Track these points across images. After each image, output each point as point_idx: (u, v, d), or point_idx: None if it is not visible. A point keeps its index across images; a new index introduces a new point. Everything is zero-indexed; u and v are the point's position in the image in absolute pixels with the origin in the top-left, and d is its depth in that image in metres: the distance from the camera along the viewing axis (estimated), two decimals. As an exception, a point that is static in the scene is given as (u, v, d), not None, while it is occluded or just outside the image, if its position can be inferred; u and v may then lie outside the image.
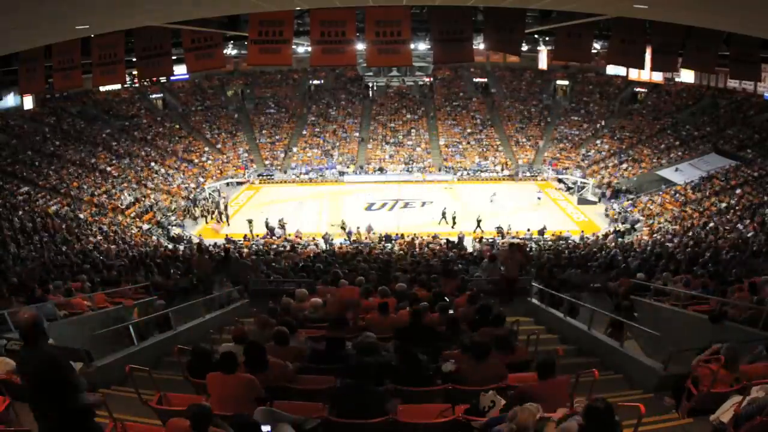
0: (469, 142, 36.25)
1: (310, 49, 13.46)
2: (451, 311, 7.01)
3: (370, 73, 31.19)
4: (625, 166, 31.49)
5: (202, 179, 31.99)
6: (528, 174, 33.60)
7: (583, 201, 28.83)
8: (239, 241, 22.53)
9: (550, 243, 21.11)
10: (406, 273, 11.13)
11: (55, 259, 13.83)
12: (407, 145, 36.32)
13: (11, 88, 21.83)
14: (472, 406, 4.24)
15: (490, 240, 21.97)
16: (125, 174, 29.37)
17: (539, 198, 28.78)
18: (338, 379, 4.58)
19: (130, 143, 32.92)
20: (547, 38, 17.54)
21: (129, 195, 27.26)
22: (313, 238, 22.87)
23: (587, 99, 38.05)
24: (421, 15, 15.21)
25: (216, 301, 9.83)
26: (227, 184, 32.33)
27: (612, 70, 34.00)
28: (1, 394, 4.35)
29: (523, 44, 15.42)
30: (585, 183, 30.18)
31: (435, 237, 22.68)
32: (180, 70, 15.59)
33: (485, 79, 40.69)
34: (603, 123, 35.50)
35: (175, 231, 24.86)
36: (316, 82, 40.74)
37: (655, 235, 20.71)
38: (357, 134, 37.23)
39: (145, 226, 24.34)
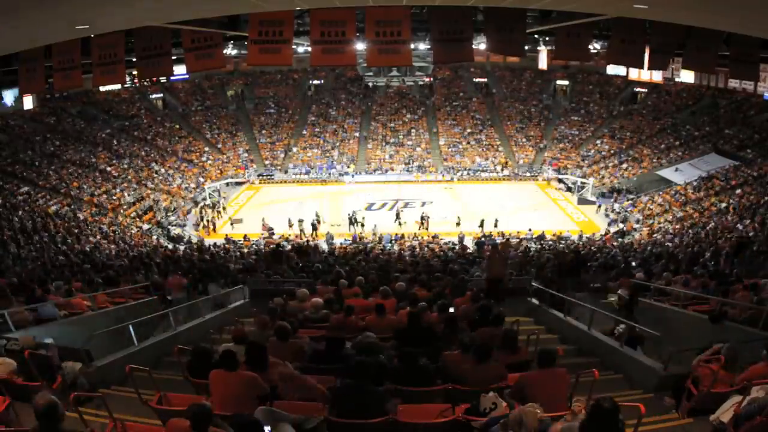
0: (469, 142, 36.25)
1: (310, 49, 13.45)
2: (451, 309, 7.01)
3: (370, 73, 31.19)
4: (625, 166, 31.50)
5: (202, 179, 32.00)
6: (528, 174, 33.61)
7: (583, 201, 28.83)
8: (239, 241, 22.53)
9: (550, 243, 21.10)
10: (406, 273, 11.13)
11: (55, 259, 13.83)
12: (407, 145, 36.33)
13: (11, 88, 21.81)
14: (473, 406, 4.24)
15: (490, 239, 21.96)
16: (125, 174, 29.38)
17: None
18: (338, 379, 4.58)
19: (130, 143, 32.92)
20: (547, 38, 17.54)
21: (129, 195, 27.27)
22: (314, 238, 22.87)
23: (587, 99, 38.07)
24: (421, 15, 15.21)
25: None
26: (227, 184, 32.34)
27: (612, 70, 34.05)
28: (1, 394, 4.35)
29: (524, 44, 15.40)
30: (585, 183, 30.18)
31: (435, 237, 22.71)
32: (180, 70, 15.58)
33: (485, 79, 40.71)
34: (603, 123, 35.53)
35: (175, 231, 24.87)
36: (316, 82, 40.75)
37: (655, 235, 20.71)
38: (357, 134, 37.23)
39: (145, 226, 24.35)
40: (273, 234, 23.82)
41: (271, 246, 18.02)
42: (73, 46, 12.39)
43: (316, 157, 35.44)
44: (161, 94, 37.67)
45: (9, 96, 24.01)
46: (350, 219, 24.49)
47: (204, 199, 29.54)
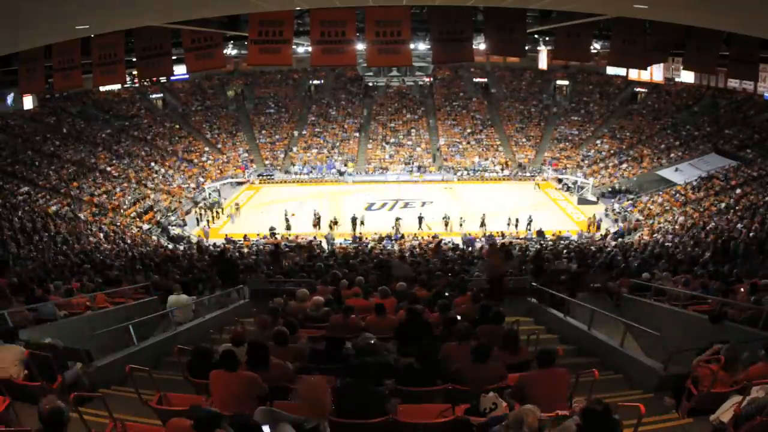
0: (469, 142, 36.26)
1: (310, 49, 13.46)
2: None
3: (370, 73, 31.18)
4: (625, 166, 31.50)
5: (202, 179, 32.01)
6: (528, 174, 33.63)
7: (583, 201, 28.85)
8: (239, 241, 22.52)
9: (550, 243, 21.10)
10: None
11: (55, 259, 13.84)
12: (407, 145, 36.33)
13: (11, 88, 21.82)
14: (473, 406, 4.24)
15: (490, 238, 21.96)
16: (125, 174, 29.39)
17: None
18: (338, 379, 4.58)
19: (130, 143, 32.93)
20: (547, 38, 17.53)
21: (130, 196, 27.28)
22: (315, 238, 22.86)
23: (587, 99, 38.07)
24: (421, 15, 15.21)
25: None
26: (228, 184, 32.34)
27: (612, 70, 33.91)
28: (1, 394, 4.35)
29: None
30: (585, 183, 30.19)
31: (435, 237, 22.70)
32: (180, 70, 15.58)
33: (485, 79, 40.71)
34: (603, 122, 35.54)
35: (175, 231, 24.86)
36: (316, 82, 40.76)
37: (655, 235, 20.70)
38: (357, 134, 37.25)
39: (145, 226, 24.35)
40: (275, 233, 23.80)
41: (269, 246, 18.03)
42: (73, 46, 12.40)
43: (316, 157, 35.44)
44: (161, 94, 37.67)
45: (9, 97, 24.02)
46: (353, 220, 24.52)
47: (204, 199, 29.54)
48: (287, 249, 17.29)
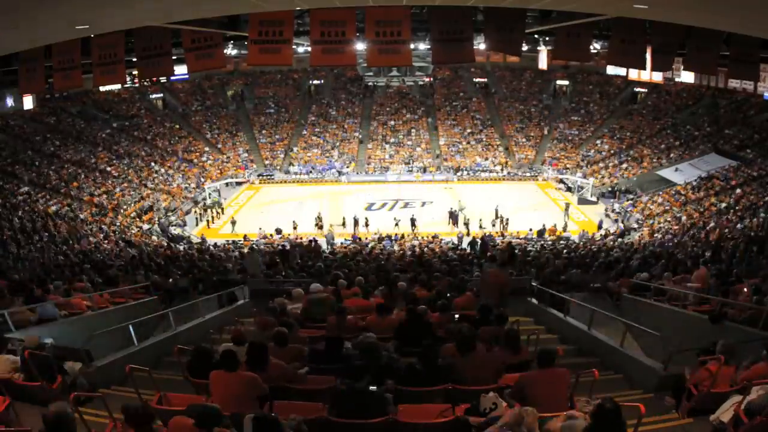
0: (469, 142, 36.26)
1: (310, 49, 13.45)
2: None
3: (370, 73, 31.17)
4: (625, 166, 31.50)
5: (202, 179, 32.01)
6: (528, 174, 33.64)
7: (583, 201, 28.84)
8: (239, 241, 22.51)
9: (550, 243, 21.10)
10: (406, 273, 11.12)
11: (55, 259, 13.83)
12: (407, 145, 36.34)
13: (11, 88, 21.84)
14: (473, 406, 4.24)
15: (489, 237, 21.92)
16: (125, 174, 29.39)
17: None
18: (338, 379, 4.58)
19: (130, 143, 32.93)
20: (547, 38, 17.54)
21: (130, 196, 27.28)
22: (315, 239, 22.84)
23: (587, 99, 38.07)
24: (421, 15, 15.21)
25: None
26: (227, 184, 32.34)
27: (612, 70, 34.01)
28: (1, 394, 4.35)
29: (524, 44, 15.41)
30: (585, 183, 30.19)
31: (435, 237, 22.71)
32: (180, 70, 15.58)
33: (485, 79, 40.71)
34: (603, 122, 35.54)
35: (175, 231, 24.85)
36: (316, 82, 40.76)
37: (655, 235, 20.71)
38: (357, 134, 37.25)
39: (145, 226, 24.35)
40: (280, 234, 23.82)
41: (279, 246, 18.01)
42: (73, 46, 12.39)
43: (316, 157, 35.45)
44: (161, 94, 37.67)
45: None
46: (355, 221, 24.53)
47: (204, 199, 29.54)
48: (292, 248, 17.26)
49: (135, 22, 10.85)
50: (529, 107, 38.54)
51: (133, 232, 22.71)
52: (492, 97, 39.66)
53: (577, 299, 8.82)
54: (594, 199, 29.15)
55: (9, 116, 28.61)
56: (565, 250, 16.50)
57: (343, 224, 24.88)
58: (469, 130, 37.12)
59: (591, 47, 14.05)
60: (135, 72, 15.62)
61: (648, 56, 12.81)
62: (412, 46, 14.05)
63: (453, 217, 25.37)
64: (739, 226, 16.76)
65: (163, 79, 34.93)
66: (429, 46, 15.34)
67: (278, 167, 34.70)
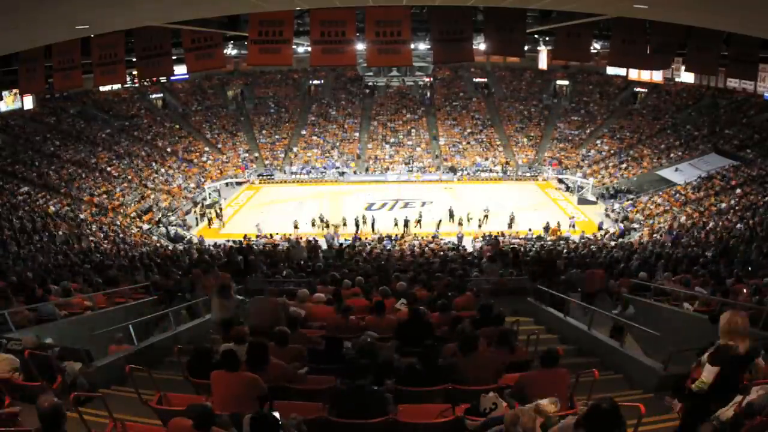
0: (469, 142, 36.26)
1: (310, 49, 13.45)
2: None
3: (370, 73, 31.17)
4: (625, 166, 31.50)
5: (202, 179, 32.01)
6: (528, 174, 33.64)
7: (583, 201, 28.85)
8: (239, 241, 22.48)
9: (550, 243, 21.10)
10: (407, 273, 11.11)
11: (55, 259, 13.83)
12: (407, 145, 36.34)
13: (11, 88, 21.82)
14: (473, 406, 4.24)
15: (490, 238, 21.94)
16: (125, 174, 29.39)
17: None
18: (338, 379, 4.58)
19: (130, 143, 32.93)
20: (547, 38, 17.53)
21: (130, 196, 27.28)
22: (315, 239, 22.84)
23: (587, 99, 38.08)
24: (421, 15, 15.20)
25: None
26: (227, 184, 32.34)
27: (612, 70, 33.91)
28: (1, 394, 4.35)
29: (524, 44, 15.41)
30: (585, 183, 30.19)
31: (435, 237, 22.70)
32: (180, 70, 15.57)
33: (485, 79, 40.72)
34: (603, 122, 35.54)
35: (177, 231, 24.85)
36: (316, 82, 40.76)
37: (655, 235, 20.71)
38: (357, 134, 37.25)
39: (145, 226, 24.34)
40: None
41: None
42: (73, 46, 12.39)
43: (316, 157, 35.45)
44: (161, 94, 37.67)
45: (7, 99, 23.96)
46: (356, 221, 24.55)
47: (204, 199, 29.54)
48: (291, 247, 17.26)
49: (135, 22, 10.85)
50: (529, 107, 38.55)
51: (133, 232, 22.71)
52: (492, 97, 39.66)
53: (577, 299, 8.83)
54: (594, 199, 29.15)
55: (9, 116, 28.60)
56: (565, 250, 16.49)
57: (344, 224, 24.87)
58: (469, 130, 37.12)
59: (591, 47, 14.05)
60: (135, 72, 15.61)
61: (648, 55, 12.80)
62: (412, 46, 14.03)
63: (452, 216, 25.35)
64: (739, 226, 16.75)
65: (163, 79, 34.93)
66: (429, 46, 15.34)
67: (278, 167, 34.70)
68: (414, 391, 4.69)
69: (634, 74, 30.88)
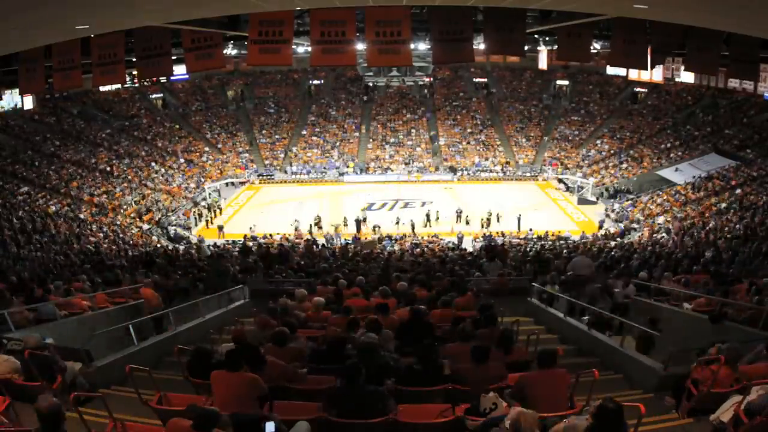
0: (469, 142, 36.26)
1: (310, 49, 13.44)
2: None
3: (370, 73, 31.16)
4: (625, 166, 31.50)
5: (202, 179, 32.01)
6: (528, 174, 33.64)
7: (583, 201, 28.85)
8: (239, 241, 22.49)
9: (550, 243, 21.10)
10: (407, 273, 11.12)
11: (55, 259, 13.83)
12: (407, 145, 36.34)
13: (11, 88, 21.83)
14: (473, 406, 4.24)
15: (490, 238, 21.97)
16: (125, 174, 29.39)
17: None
18: (338, 379, 4.58)
19: (130, 143, 32.93)
20: (547, 38, 17.50)
21: (129, 195, 27.28)
22: (314, 239, 22.85)
23: (587, 99, 38.08)
24: (421, 15, 15.19)
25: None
26: (227, 184, 32.33)
27: (612, 70, 33.97)
28: (1, 394, 4.34)
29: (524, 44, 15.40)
30: (585, 183, 30.19)
31: (435, 237, 22.72)
32: (180, 70, 15.57)
33: (485, 79, 40.71)
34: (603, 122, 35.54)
35: (177, 231, 24.85)
36: (316, 82, 40.76)
37: (655, 235, 20.71)
38: (357, 134, 37.25)
39: (145, 226, 24.34)
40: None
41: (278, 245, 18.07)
42: (73, 46, 12.38)
43: (316, 157, 35.45)
44: (161, 94, 37.67)
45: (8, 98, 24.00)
46: (357, 222, 24.57)
47: (204, 199, 29.54)
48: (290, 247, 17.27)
49: (135, 22, 10.84)
50: (529, 107, 38.55)
51: (133, 232, 22.71)
52: (492, 97, 39.66)
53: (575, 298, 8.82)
54: (594, 199, 29.16)
55: (9, 116, 28.62)
56: (565, 250, 16.49)
57: (344, 224, 24.87)
58: (469, 130, 37.12)
59: (591, 47, 14.04)
60: (135, 72, 15.59)
61: (648, 56, 12.80)
62: (412, 46, 14.02)
63: (458, 216, 25.31)
64: (738, 226, 16.75)
65: (163, 79, 34.92)
66: (429, 46, 15.32)
67: (278, 167, 34.70)
68: (414, 391, 4.69)
69: (634, 74, 30.92)
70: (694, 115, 32.65)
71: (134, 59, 13.00)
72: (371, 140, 36.84)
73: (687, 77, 25.79)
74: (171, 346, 6.20)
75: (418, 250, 17.91)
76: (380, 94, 39.86)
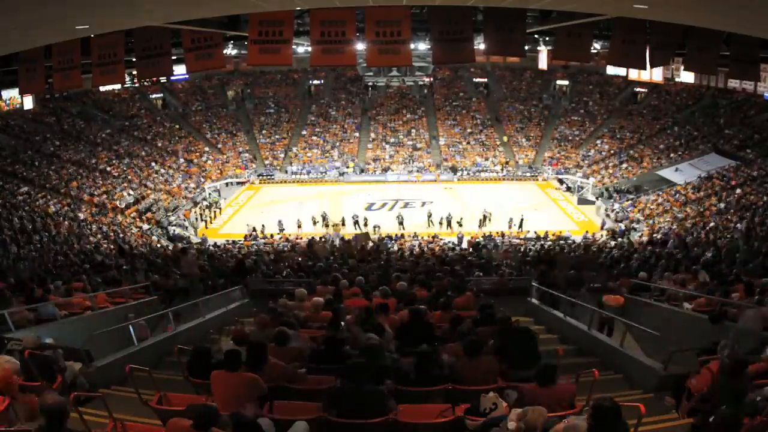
0: (469, 142, 36.26)
1: (310, 49, 13.45)
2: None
3: (370, 73, 31.18)
4: (625, 166, 31.50)
5: (202, 179, 32.01)
6: (528, 174, 33.64)
7: (583, 201, 28.85)
8: (239, 241, 22.51)
9: (550, 243, 21.10)
10: (407, 273, 11.11)
11: (55, 259, 13.83)
12: (407, 145, 36.33)
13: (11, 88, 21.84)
14: (473, 406, 4.24)
15: (490, 239, 21.95)
16: (125, 174, 29.38)
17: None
18: (338, 379, 4.58)
19: (130, 143, 32.93)
20: (547, 38, 17.53)
21: (129, 195, 27.27)
22: (313, 238, 22.83)
23: (587, 99, 38.08)
24: (421, 15, 15.20)
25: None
26: (227, 184, 32.33)
27: (612, 70, 33.90)
28: (1, 394, 4.34)
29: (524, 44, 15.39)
30: (585, 183, 30.19)
31: (435, 237, 22.71)
32: (180, 70, 15.58)
33: (485, 79, 40.71)
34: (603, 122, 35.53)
35: (176, 231, 24.85)
36: (316, 82, 40.75)
37: (655, 235, 20.70)
38: (357, 134, 37.26)
39: (145, 226, 24.34)
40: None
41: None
42: (73, 46, 12.38)
43: (316, 157, 35.45)
44: (161, 94, 37.67)
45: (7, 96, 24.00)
46: (355, 221, 24.58)
47: (204, 199, 29.54)
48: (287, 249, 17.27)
49: (135, 22, 10.85)
50: (529, 107, 38.54)
51: (133, 232, 22.71)
52: (492, 97, 39.65)
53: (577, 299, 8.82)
54: (594, 199, 29.16)
55: (9, 116, 28.61)
56: (565, 251, 16.49)
57: (343, 223, 24.87)
58: (469, 130, 37.12)
59: (591, 47, 14.05)
60: (135, 72, 15.59)
61: (647, 54, 12.81)
62: (412, 46, 14.04)
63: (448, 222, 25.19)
64: (738, 226, 16.75)
65: (163, 79, 34.91)
66: (429, 46, 15.33)
67: (278, 167, 34.70)
68: (414, 391, 4.69)
69: (634, 74, 30.87)
70: (694, 115, 32.65)
71: (134, 59, 13.01)
72: (371, 140, 36.83)
73: (687, 77, 25.79)
74: (171, 346, 6.21)
75: (417, 250, 17.89)
76: (380, 94, 39.85)
